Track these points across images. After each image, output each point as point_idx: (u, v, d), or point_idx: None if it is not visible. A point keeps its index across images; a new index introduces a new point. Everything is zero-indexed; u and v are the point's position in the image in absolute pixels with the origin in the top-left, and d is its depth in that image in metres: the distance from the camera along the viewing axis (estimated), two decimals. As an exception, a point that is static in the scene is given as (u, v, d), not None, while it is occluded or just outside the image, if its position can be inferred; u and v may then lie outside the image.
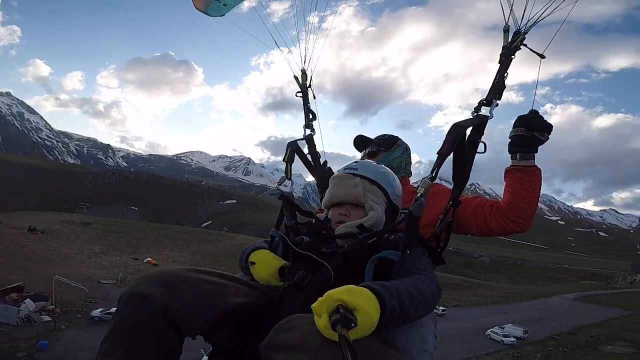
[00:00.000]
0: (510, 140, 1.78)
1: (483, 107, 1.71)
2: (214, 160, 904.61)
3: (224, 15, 2.53)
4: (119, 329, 1.14)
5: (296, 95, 2.35)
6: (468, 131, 1.65)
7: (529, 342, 36.99)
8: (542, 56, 1.72)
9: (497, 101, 1.70)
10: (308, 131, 2.29)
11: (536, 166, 1.74)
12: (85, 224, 71.70)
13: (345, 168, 1.75)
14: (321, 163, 2.29)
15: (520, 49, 1.71)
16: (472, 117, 1.70)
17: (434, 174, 1.58)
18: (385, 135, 2.28)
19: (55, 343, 24.81)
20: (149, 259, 55.58)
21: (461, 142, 1.62)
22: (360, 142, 2.30)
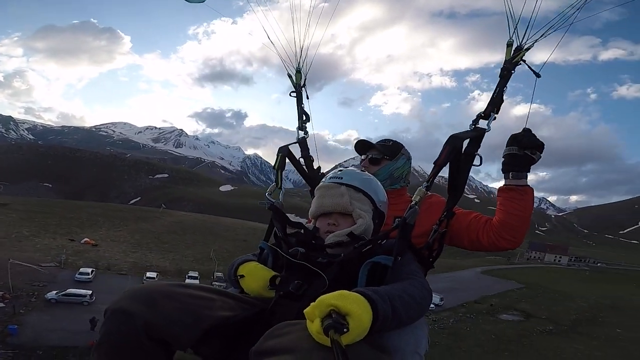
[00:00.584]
0: (503, 159, 1.76)
1: (481, 119, 1.70)
2: (140, 132, 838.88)
3: (203, 1, 2.45)
4: (106, 342, 1.16)
5: (290, 95, 2.27)
6: (465, 143, 1.66)
7: (444, 309, 42.39)
8: (538, 75, 1.72)
9: (495, 115, 1.69)
10: (301, 133, 2.21)
11: (528, 185, 1.73)
12: (2, 205, 64.99)
13: (330, 178, 1.74)
14: (315, 167, 2.24)
15: (520, 64, 1.71)
16: (469, 129, 1.70)
17: (429, 183, 1.60)
18: (388, 141, 2.18)
19: (21, 327, 24.52)
20: (86, 239, 52.00)
21: (457, 154, 1.63)
22: (362, 146, 2.20)
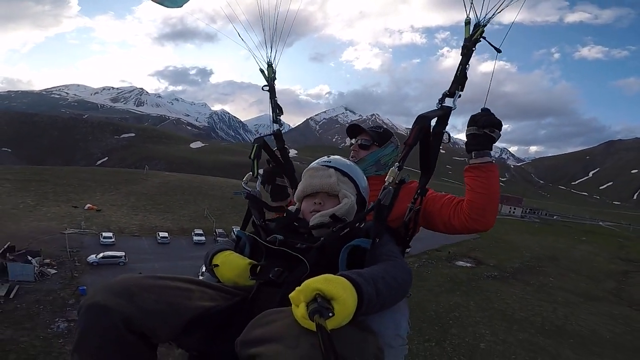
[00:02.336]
0: (465, 140, 1.79)
1: (447, 98, 1.73)
2: (97, 93, 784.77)
3: (181, 6, 2.41)
4: (85, 341, 1.12)
5: (262, 89, 2.27)
6: (433, 122, 1.68)
7: (409, 255, 50.94)
8: (498, 50, 1.73)
9: (460, 92, 1.73)
10: (276, 126, 2.23)
11: (492, 162, 1.75)
12: (-12, 176, 65.54)
13: (318, 162, 1.80)
14: (290, 160, 2.25)
15: (480, 41, 1.72)
16: (436, 108, 1.72)
17: (400, 164, 1.63)
18: (380, 128, 2.24)
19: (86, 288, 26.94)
20: (89, 205, 54.86)
21: (426, 133, 1.66)
22: (353, 130, 2.25)
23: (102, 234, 41.26)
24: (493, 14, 1.70)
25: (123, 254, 35.86)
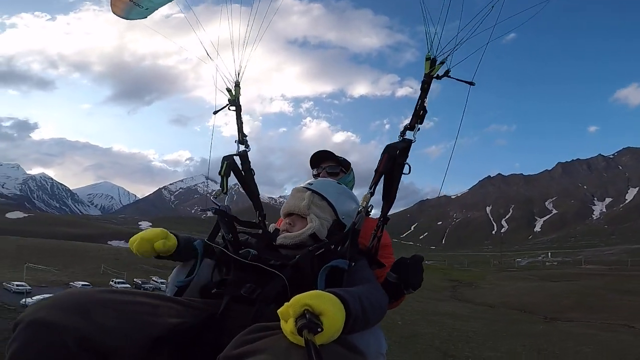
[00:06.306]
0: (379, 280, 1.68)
1: (408, 131, 1.77)
2: None
3: (146, 17, 2.43)
4: None
5: (228, 109, 2.24)
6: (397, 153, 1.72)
7: None
8: (471, 83, 1.76)
9: (419, 125, 1.76)
10: (242, 147, 2.18)
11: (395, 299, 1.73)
12: None
13: (304, 183, 1.83)
14: (255, 181, 2.20)
15: (440, 78, 1.77)
16: (399, 140, 1.76)
17: (372, 190, 1.71)
18: (338, 156, 2.33)
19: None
20: None
21: (393, 162, 1.71)
22: (320, 157, 2.28)
23: (11, 284, 37.92)
24: (449, 53, 1.74)
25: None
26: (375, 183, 1.72)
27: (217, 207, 1.79)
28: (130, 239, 1.59)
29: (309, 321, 0.90)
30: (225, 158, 2.02)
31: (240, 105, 2.25)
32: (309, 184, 1.82)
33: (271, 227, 1.78)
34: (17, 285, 37.61)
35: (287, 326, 0.93)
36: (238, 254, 1.50)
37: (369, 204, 1.73)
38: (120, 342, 1.07)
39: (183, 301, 1.35)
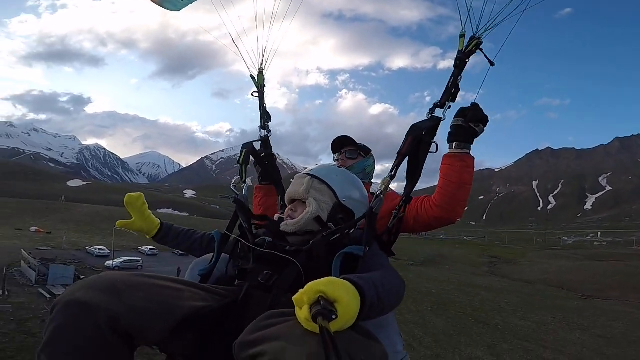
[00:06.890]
0: (449, 130, 1.77)
1: (437, 108, 1.75)
2: None
3: (179, 10, 2.42)
4: (58, 340, 1.04)
5: (252, 95, 2.29)
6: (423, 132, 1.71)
7: None
8: (492, 63, 1.75)
9: (450, 103, 1.74)
10: (264, 132, 2.23)
11: (469, 155, 1.75)
12: None
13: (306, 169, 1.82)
14: (277, 166, 2.25)
15: (475, 53, 1.74)
16: (427, 118, 1.74)
17: (393, 173, 1.69)
18: (360, 143, 2.33)
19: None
20: (35, 228, 52.39)
21: (417, 143, 1.69)
22: (340, 141, 2.30)
23: (94, 248, 42.14)
24: (486, 30, 1.73)
25: (140, 259, 37.51)
26: (397, 166, 1.71)
27: (236, 196, 1.83)
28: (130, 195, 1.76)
29: (324, 308, 0.89)
30: (244, 146, 2.07)
31: (263, 92, 2.30)
32: (309, 169, 1.80)
33: (276, 216, 1.78)
34: (99, 249, 41.50)
35: (302, 313, 0.93)
36: (255, 243, 1.55)
37: (388, 189, 1.73)
38: (147, 323, 1.12)
39: (207, 287, 1.40)
